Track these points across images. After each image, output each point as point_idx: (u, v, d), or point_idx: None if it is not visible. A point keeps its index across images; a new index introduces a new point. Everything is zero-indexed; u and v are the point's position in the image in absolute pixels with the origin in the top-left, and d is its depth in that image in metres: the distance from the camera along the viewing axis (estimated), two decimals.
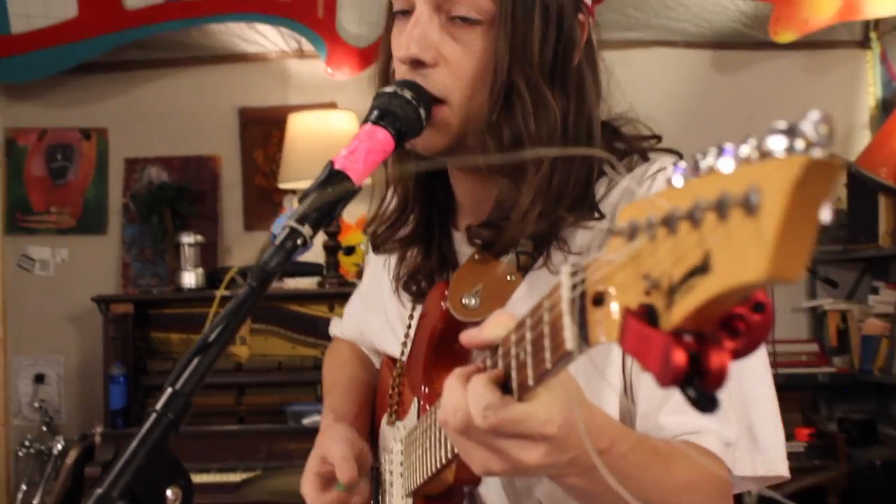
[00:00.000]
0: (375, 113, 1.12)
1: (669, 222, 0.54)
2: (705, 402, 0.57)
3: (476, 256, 1.24)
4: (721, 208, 0.50)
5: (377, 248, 1.41)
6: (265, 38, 5.05)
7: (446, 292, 1.20)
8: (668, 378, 0.56)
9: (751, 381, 1.16)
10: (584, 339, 0.67)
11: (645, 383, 1.14)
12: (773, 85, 5.15)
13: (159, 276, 5.09)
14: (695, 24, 5.02)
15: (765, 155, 0.48)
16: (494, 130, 1.19)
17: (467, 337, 0.90)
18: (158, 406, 0.89)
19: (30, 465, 4.77)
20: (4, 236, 5.22)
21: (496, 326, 0.86)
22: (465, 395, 0.83)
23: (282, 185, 4.79)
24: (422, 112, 1.15)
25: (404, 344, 1.42)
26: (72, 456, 4.41)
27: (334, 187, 1.02)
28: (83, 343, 5.07)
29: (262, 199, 5.17)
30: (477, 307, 1.20)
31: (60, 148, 5.24)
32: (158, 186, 5.12)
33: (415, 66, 1.18)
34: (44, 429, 4.85)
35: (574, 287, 0.67)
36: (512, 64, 1.17)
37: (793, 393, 4.60)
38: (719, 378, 0.55)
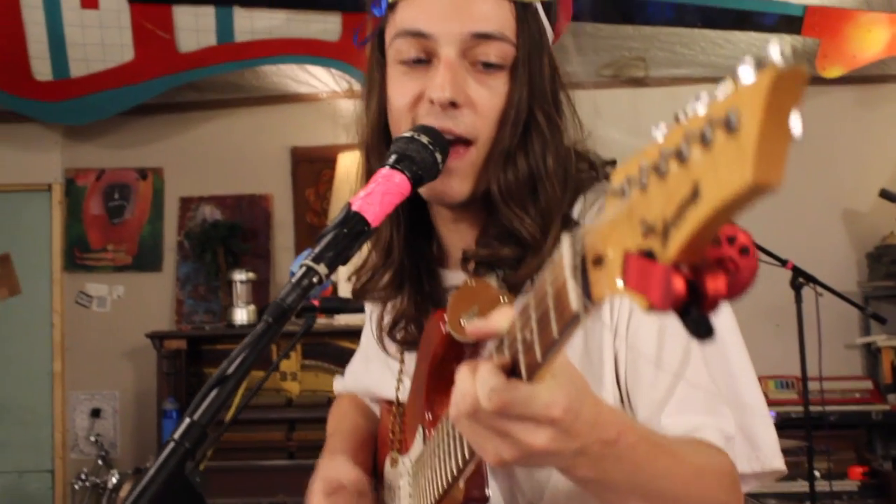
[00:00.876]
0: (393, 157, 1.16)
1: (658, 167, 0.58)
2: (703, 327, 0.61)
3: (469, 282, 1.27)
4: (704, 137, 0.53)
5: (359, 298, 1.46)
6: (316, 78, 5.14)
7: (445, 316, 1.23)
8: (668, 302, 0.59)
9: (743, 384, 1.20)
10: (588, 297, 0.69)
11: (643, 390, 1.18)
12: (824, 120, 5.12)
13: (212, 312, 5.18)
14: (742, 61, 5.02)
15: (756, 70, 0.52)
16: (513, 163, 1.25)
17: (473, 327, 0.93)
18: (176, 435, 0.92)
19: (85, 498, 4.84)
20: (64, 273, 5.35)
21: (501, 316, 0.89)
22: (473, 382, 0.86)
23: None
24: (438, 156, 1.19)
25: (398, 387, 1.46)
26: (125, 489, 4.48)
27: (350, 228, 1.05)
28: (138, 378, 5.16)
29: (314, 236, 5.20)
30: None
31: (118, 187, 5.37)
32: (212, 224, 5.21)
33: (447, 108, 1.23)
34: (99, 462, 4.93)
35: (574, 252, 0.70)
36: (531, 101, 1.26)
37: (846, 431, 4.53)
38: (716, 301, 0.60)
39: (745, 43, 4.87)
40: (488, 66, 1.25)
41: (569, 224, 1.26)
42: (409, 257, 1.39)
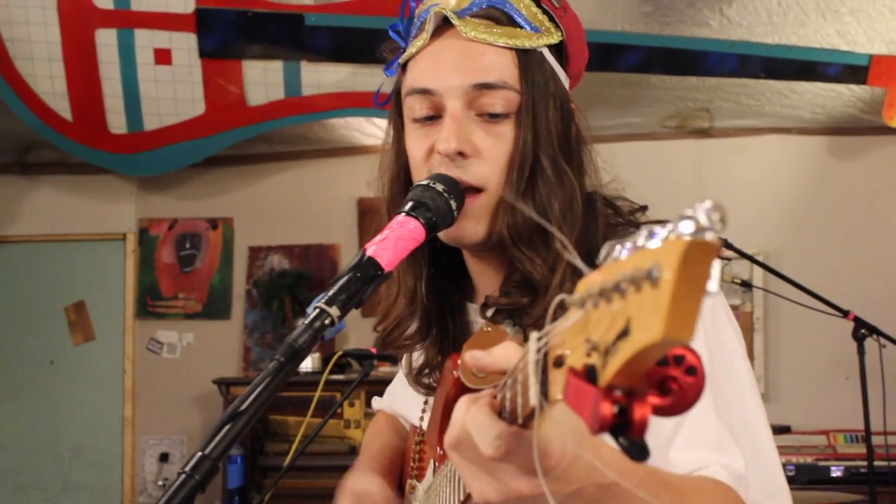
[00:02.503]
0: (409, 204, 1.19)
1: (606, 293, 0.62)
2: (635, 449, 0.64)
3: (486, 328, 1.28)
4: (636, 282, 0.58)
5: (387, 348, 1.48)
6: (383, 131, 5.17)
7: (458, 361, 1.26)
8: (596, 426, 0.63)
9: (756, 424, 1.21)
10: (545, 395, 0.73)
11: (652, 424, 1.17)
12: (891, 169, 5.05)
13: None
14: (809, 111, 4.99)
15: (677, 236, 0.57)
16: (521, 210, 1.27)
17: (469, 356, 0.95)
18: (187, 468, 0.94)
19: None
20: (136, 320, 5.48)
21: (502, 352, 0.90)
22: (464, 414, 0.88)
23: None
24: (453, 203, 1.22)
25: (422, 416, 1.50)
26: None
27: (363, 272, 1.09)
28: (205, 423, 5.25)
29: None
30: (486, 375, 1.26)
31: (189, 237, 5.51)
32: (279, 273, 5.31)
33: (455, 158, 1.26)
34: None
35: (539, 350, 0.75)
36: (537, 147, 1.28)
37: None
38: (641, 428, 0.63)
39: (812, 93, 4.84)
40: (494, 115, 1.28)
41: (592, 264, 1.28)
42: (434, 303, 1.41)
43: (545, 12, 1.32)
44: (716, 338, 1.21)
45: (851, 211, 5.04)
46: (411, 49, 1.33)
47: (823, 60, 4.42)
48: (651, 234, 0.59)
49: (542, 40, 1.30)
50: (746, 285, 4.23)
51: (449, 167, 1.27)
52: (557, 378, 0.71)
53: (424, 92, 1.30)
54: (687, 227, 0.56)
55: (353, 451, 4.63)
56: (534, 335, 0.76)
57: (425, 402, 1.50)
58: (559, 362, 0.70)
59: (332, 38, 4.39)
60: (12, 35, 4.33)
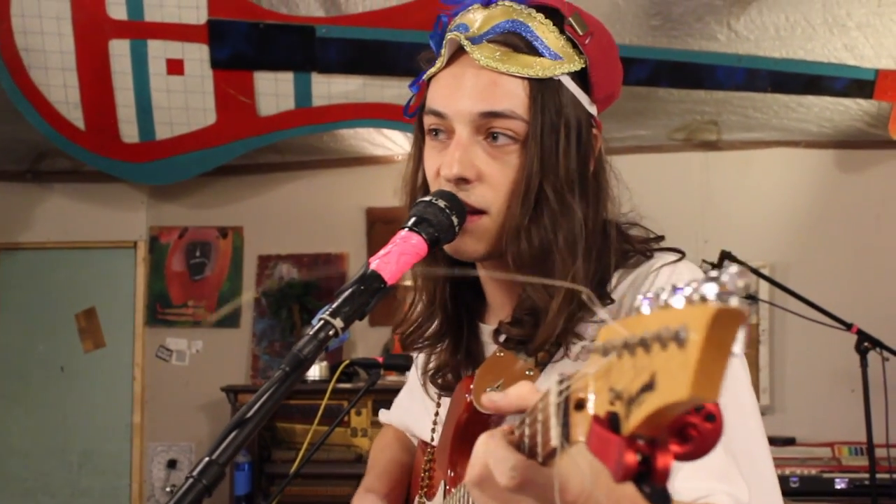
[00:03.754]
0: (412, 220, 1.22)
1: (630, 347, 0.65)
2: (657, 496, 0.66)
3: (499, 353, 1.32)
4: (662, 340, 0.61)
5: (406, 348, 1.51)
6: (392, 141, 5.26)
7: (471, 386, 1.28)
8: (620, 475, 0.66)
9: (759, 456, 1.23)
10: (566, 437, 0.77)
11: None
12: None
13: None
14: (816, 124, 5.00)
15: (701, 298, 0.59)
16: (525, 234, 1.29)
17: (489, 401, 0.97)
18: (194, 472, 0.97)
19: None
20: (146, 328, 5.52)
21: (516, 393, 0.94)
22: (487, 453, 0.91)
23: (406, 283, 4.92)
24: (454, 219, 1.25)
25: (433, 430, 1.52)
26: None
27: (367, 286, 1.12)
28: (213, 430, 5.28)
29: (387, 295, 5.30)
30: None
31: (199, 245, 5.55)
32: (288, 283, 5.34)
33: (458, 183, 1.29)
34: None
35: (560, 393, 0.78)
36: (542, 176, 1.28)
37: None
38: (664, 476, 0.65)
39: (819, 107, 4.85)
40: (500, 142, 1.29)
41: (602, 297, 1.30)
42: (452, 310, 1.44)
43: (569, 39, 1.31)
44: None
45: (857, 224, 5.05)
46: (433, 69, 1.35)
47: (830, 75, 4.44)
48: (674, 291, 0.62)
49: (561, 68, 1.30)
50: (752, 298, 4.25)
51: (453, 189, 1.29)
52: (578, 421, 0.74)
53: (437, 114, 1.32)
54: (711, 290, 0.58)
55: (360, 460, 4.66)
56: (555, 378, 0.79)
57: (436, 415, 1.52)
58: (580, 405, 0.74)
59: (343, 51, 4.43)
60: (27, 45, 4.38)
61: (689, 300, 0.60)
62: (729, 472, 1.16)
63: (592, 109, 1.36)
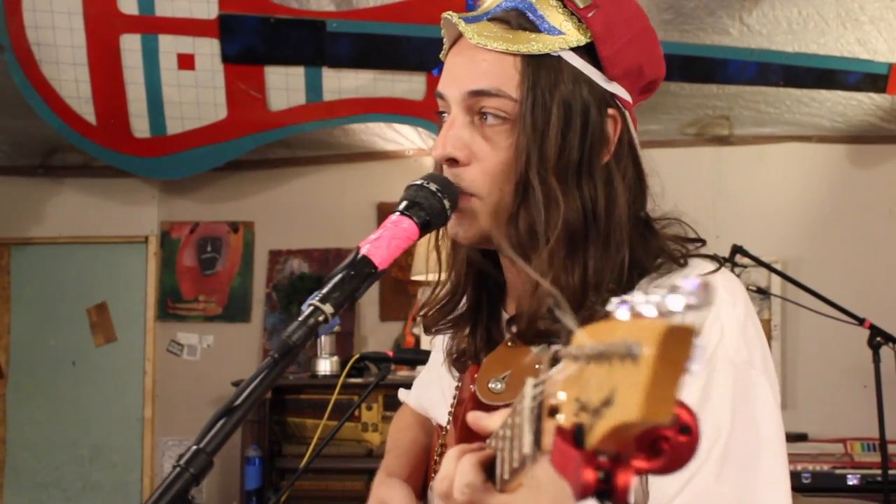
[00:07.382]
0: (403, 204, 1.20)
1: (593, 357, 0.62)
2: None
3: (509, 343, 1.29)
4: (621, 354, 0.58)
5: (428, 330, 1.47)
6: (403, 136, 5.26)
7: (476, 375, 1.26)
8: (579, 492, 0.62)
9: (766, 484, 1.13)
10: (538, 445, 0.73)
11: (656, 483, 1.13)
12: None
13: (297, 362, 5.28)
14: (829, 119, 4.98)
15: (662, 312, 0.57)
16: (514, 221, 1.25)
17: (472, 417, 0.95)
18: (182, 461, 0.96)
19: None
20: (157, 322, 5.53)
21: (498, 418, 0.90)
22: (455, 467, 0.90)
23: (415, 277, 4.93)
24: (446, 203, 1.22)
25: (450, 413, 1.48)
26: None
27: (357, 270, 1.10)
28: None
29: (398, 290, 5.32)
30: (502, 391, 1.22)
31: (210, 240, 5.55)
32: (299, 277, 5.34)
33: (450, 164, 1.26)
34: None
35: (534, 398, 0.74)
36: (529, 160, 1.23)
37: None
38: (623, 494, 0.62)
39: (832, 101, 4.83)
40: (490, 122, 1.25)
41: (622, 289, 1.23)
42: (474, 293, 1.41)
43: (573, 14, 1.25)
44: (744, 394, 1.13)
45: (870, 219, 5.03)
46: (442, 52, 1.34)
47: (843, 69, 4.42)
48: (666, 295, 0.58)
49: (559, 43, 1.24)
50: (764, 293, 4.24)
51: (446, 172, 1.27)
52: (550, 428, 0.70)
53: (440, 96, 1.31)
54: (676, 303, 0.56)
55: (371, 455, 4.66)
56: (530, 381, 0.76)
57: (454, 398, 1.49)
58: (554, 411, 0.70)
59: (354, 45, 4.42)
60: (38, 39, 4.39)
61: (647, 317, 0.57)
62: None
63: (612, 87, 1.28)
